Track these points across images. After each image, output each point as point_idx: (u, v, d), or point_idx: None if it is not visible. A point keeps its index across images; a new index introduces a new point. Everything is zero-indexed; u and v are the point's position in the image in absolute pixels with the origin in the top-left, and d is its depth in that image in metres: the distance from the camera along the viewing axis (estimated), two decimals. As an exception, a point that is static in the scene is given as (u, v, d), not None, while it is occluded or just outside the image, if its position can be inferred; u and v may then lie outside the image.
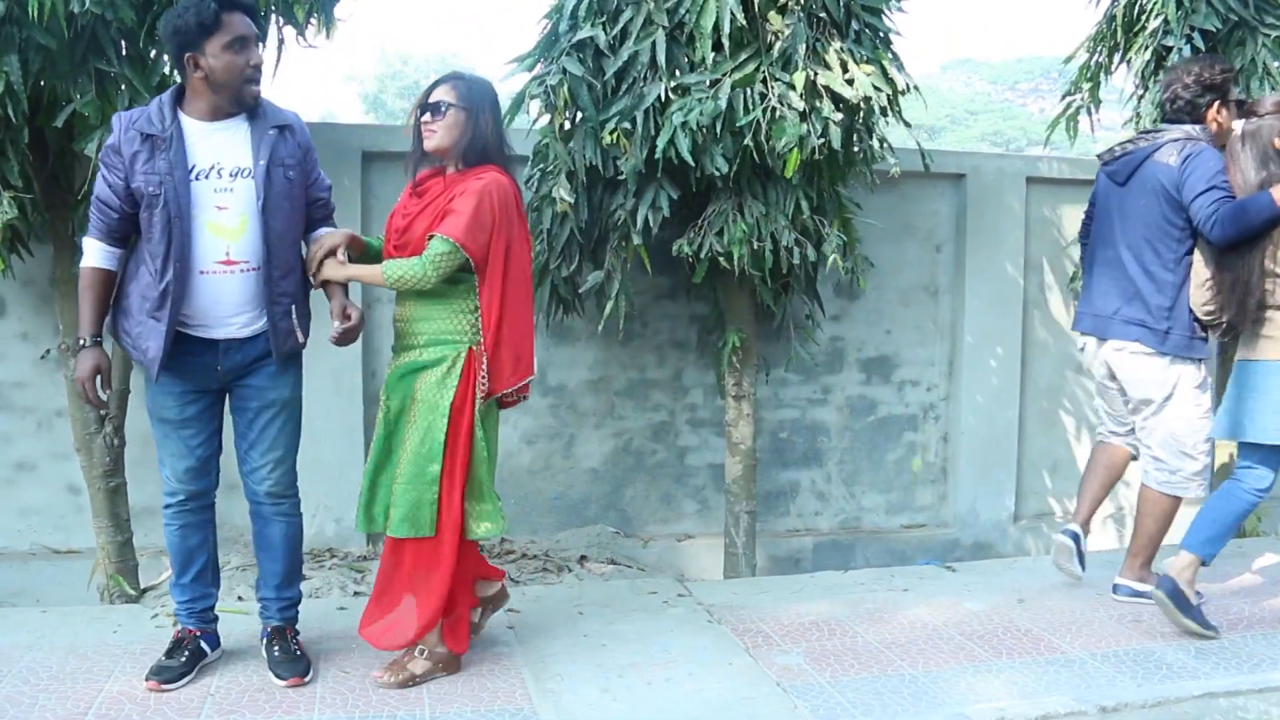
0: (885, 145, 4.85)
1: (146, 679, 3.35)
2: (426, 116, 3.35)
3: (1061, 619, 4.16)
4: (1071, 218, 6.41)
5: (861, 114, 4.53)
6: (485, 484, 3.43)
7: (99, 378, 3.26)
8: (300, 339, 3.45)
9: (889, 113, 4.62)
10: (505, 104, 4.73)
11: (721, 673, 3.61)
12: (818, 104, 4.36)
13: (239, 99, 3.21)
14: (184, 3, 3.13)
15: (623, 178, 4.62)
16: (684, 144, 4.32)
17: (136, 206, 3.15)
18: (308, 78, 58.01)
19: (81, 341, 3.25)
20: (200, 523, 3.50)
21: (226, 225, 3.21)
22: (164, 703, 3.25)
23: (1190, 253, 3.99)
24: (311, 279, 3.44)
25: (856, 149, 4.70)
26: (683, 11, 4.43)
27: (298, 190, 3.35)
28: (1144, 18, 5.71)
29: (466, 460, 3.38)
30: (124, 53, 3.99)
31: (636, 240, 4.72)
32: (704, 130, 4.34)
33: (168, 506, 3.47)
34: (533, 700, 3.36)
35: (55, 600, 4.89)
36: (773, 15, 4.44)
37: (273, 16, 4.42)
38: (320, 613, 4.12)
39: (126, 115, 3.18)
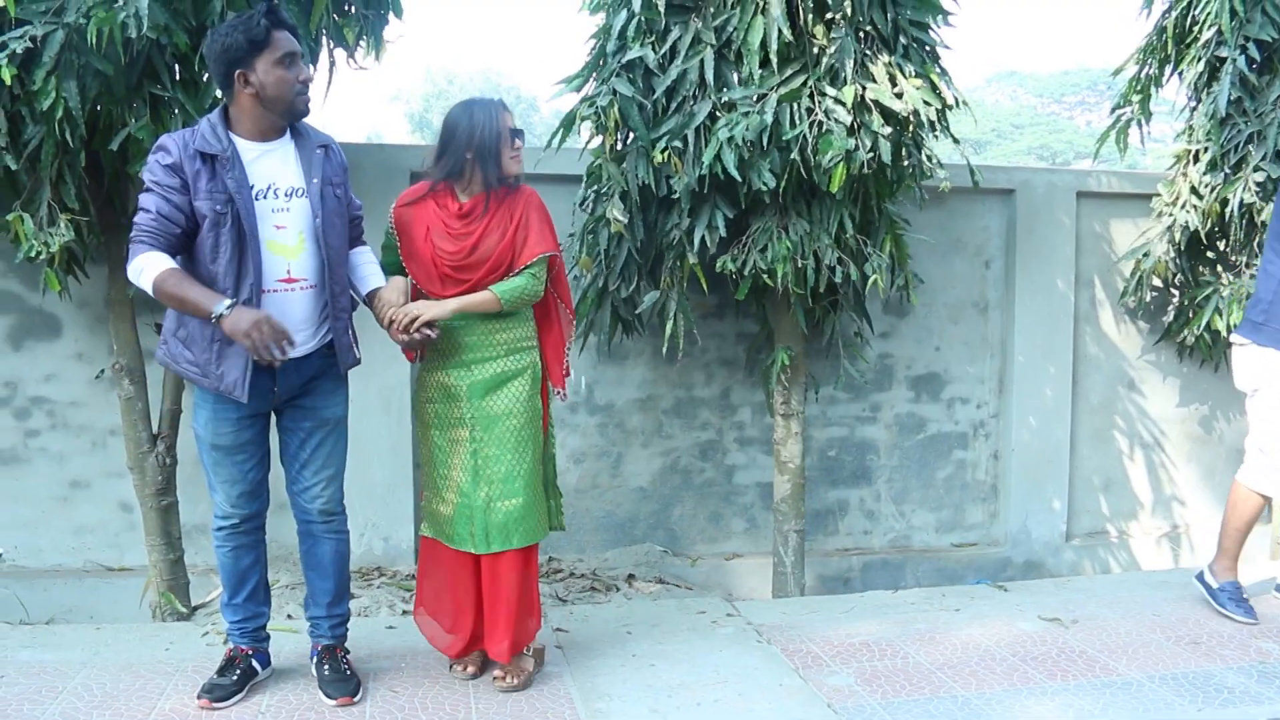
0: (934, 160, 4.82)
1: (198, 697, 3.38)
2: (517, 142, 3.47)
3: (1117, 640, 4.09)
4: (1122, 232, 6.33)
5: (911, 128, 4.51)
6: (554, 481, 3.75)
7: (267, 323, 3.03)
8: (359, 355, 3.54)
9: (937, 127, 4.59)
10: (554, 124, 4.77)
11: (772, 694, 3.58)
12: (866, 118, 4.35)
13: (291, 112, 3.24)
14: (231, 21, 3.17)
15: (676, 197, 4.62)
16: (730, 159, 4.31)
17: (196, 227, 3.15)
18: (354, 98, 58.62)
19: (226, 309, 3.02)
20: (252, 544, 3.52)
21: (286, 244, 3.25)
22: (216, 721, 3.28)
23: None
24: (396, 327, 3.41)
25: (905, 163, 4.67)
26: (730, 29, 4.44)
27: (344, 208, 3.41)
28: (1196, 29, 5.65)
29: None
30: (178, 77, 4.05)
31: (692, 259, 4.73)
32: (750, 145, 4.34)
33: (219, 530, 3.46)
34: (582, 720, 3.35)
35: (108, 617, 4.95)
36: (819, 30, 4.43)
37: (323, 39, 4.46)
38: (369, 632, 4.14)
39: (180, 136, 3.17)
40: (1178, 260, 6.01)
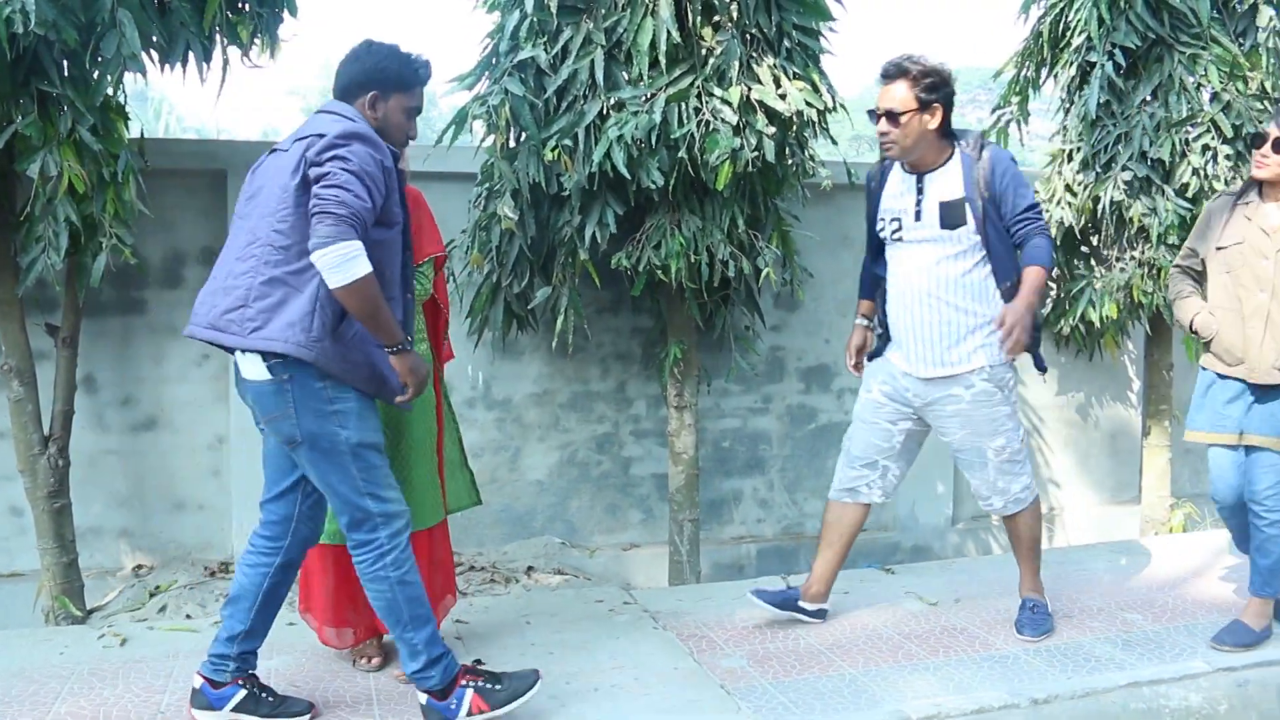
0: (815, 159, 4.99)
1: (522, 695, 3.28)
2: None
3: (996, 617, 4.29)
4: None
5: (794, 128, 4.66)
6: (463, 461, 3.88)
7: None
8: None
9: (818, 128, 4.76)
10: (446, 120, 4.82)
11: (667, 677, 3.69)
12: (751, 118, 4.48)
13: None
14: (395, 48, 3.21)
15: (567, 194, 4.71)
16: (619, 157, 4.41)
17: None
18: (250, 93, 57.41)
19: (403, 345, 3.05)
20: None
21: None
22: None
23: None
24: None
25: (789, 162, 4.83)
26: (621, 30, 4.53)
27: None
28: (1069, 34, 5.90)
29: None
30: (66, 74, 4.00)
31: (583, 256, 4.81)
32: (639, 144, 4.44)
33: (399, 533, 3.17)
34: (481, 708, 3.41)
35: (-1, 623, 4.88)
36: (707, 32, 4.55)
37: (217, 37, 4.44)
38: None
39: (376, 139, 3.09)
40: (1054, 254, 6.26)
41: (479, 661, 3.47)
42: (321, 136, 2.96)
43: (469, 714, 3.17)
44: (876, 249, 4.08)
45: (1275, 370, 3.82)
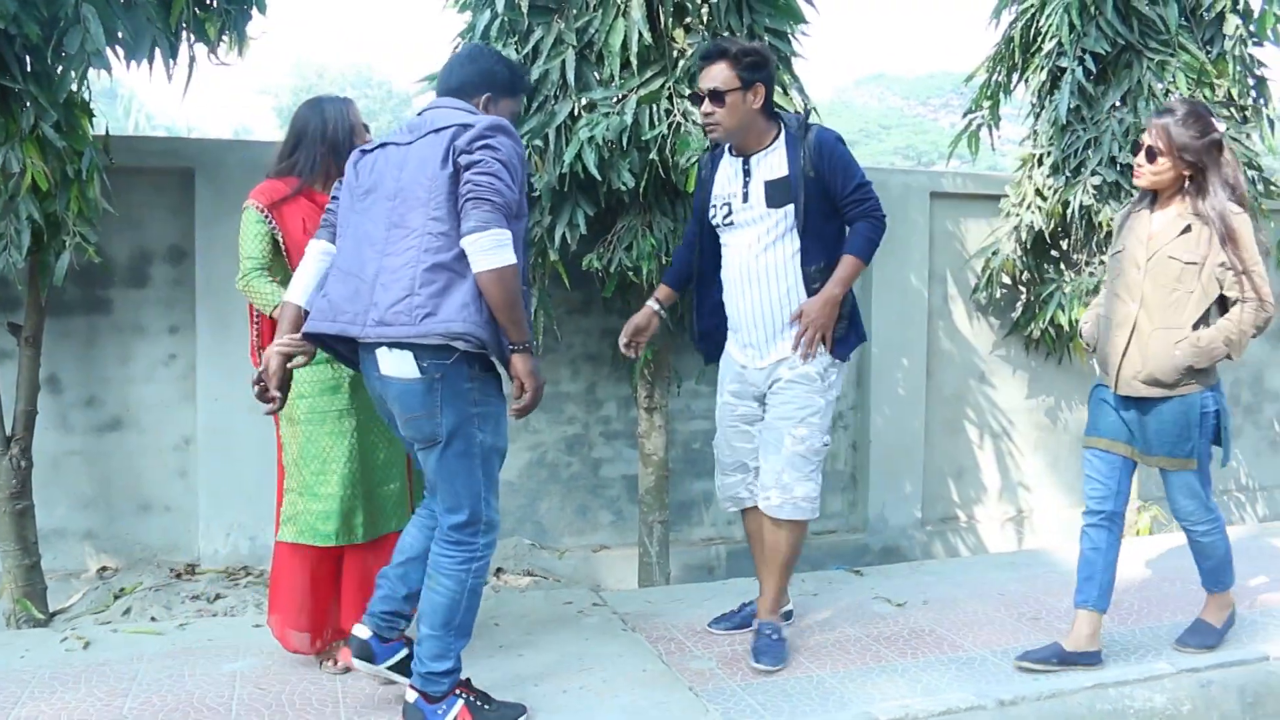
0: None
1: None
2: (368, 137, 3.54)
3: (964, 619, 4.31)
4: (973, 231, 6.62)
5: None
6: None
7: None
8: None
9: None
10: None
11: (636, 679, 3.68)
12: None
13: None
14: (505, 56, 3.42)
15: (537, 195, 4.69)
16: (590, 158, 4.41)
17: None
18: (221, 91, 57.04)
19: (529, 344, 3.10)
20: None
21: None
22: (75, 723, 3.24)
23: None
24: None
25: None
26: (592, 31, 4.53)
27: None
28: (1040, 39, 5.94)
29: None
30: (29, 69, 3.95)
31: (553, 257, 4.80)
32: (610, 145, 4.44)
33: (491, 545, 3.21)
34: (448, 711, 3.39)
35: (-40, 625, 4.81)
36: (678, 33, 4.55)
37: (184, 34, 4.41)
38: (236, 631, 4.10)
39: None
40: (1024, 258, 6.31)
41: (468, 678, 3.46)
42: (468, 127, 3.00)
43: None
44: (693, 238, 4.04)
45: (1135, 382, 3.70)
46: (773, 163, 3.75)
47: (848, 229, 3.79)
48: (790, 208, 3.71)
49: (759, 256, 3.77)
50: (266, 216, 3.49)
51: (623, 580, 5.68)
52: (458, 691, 3.22)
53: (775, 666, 3.75)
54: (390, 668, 3.31)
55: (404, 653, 3.31)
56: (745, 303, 3.83)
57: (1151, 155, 3.64)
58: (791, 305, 3.77)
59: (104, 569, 5.10)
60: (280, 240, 3.51)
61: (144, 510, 5.17)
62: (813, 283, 3.73)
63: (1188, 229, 3.62)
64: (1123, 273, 3.76)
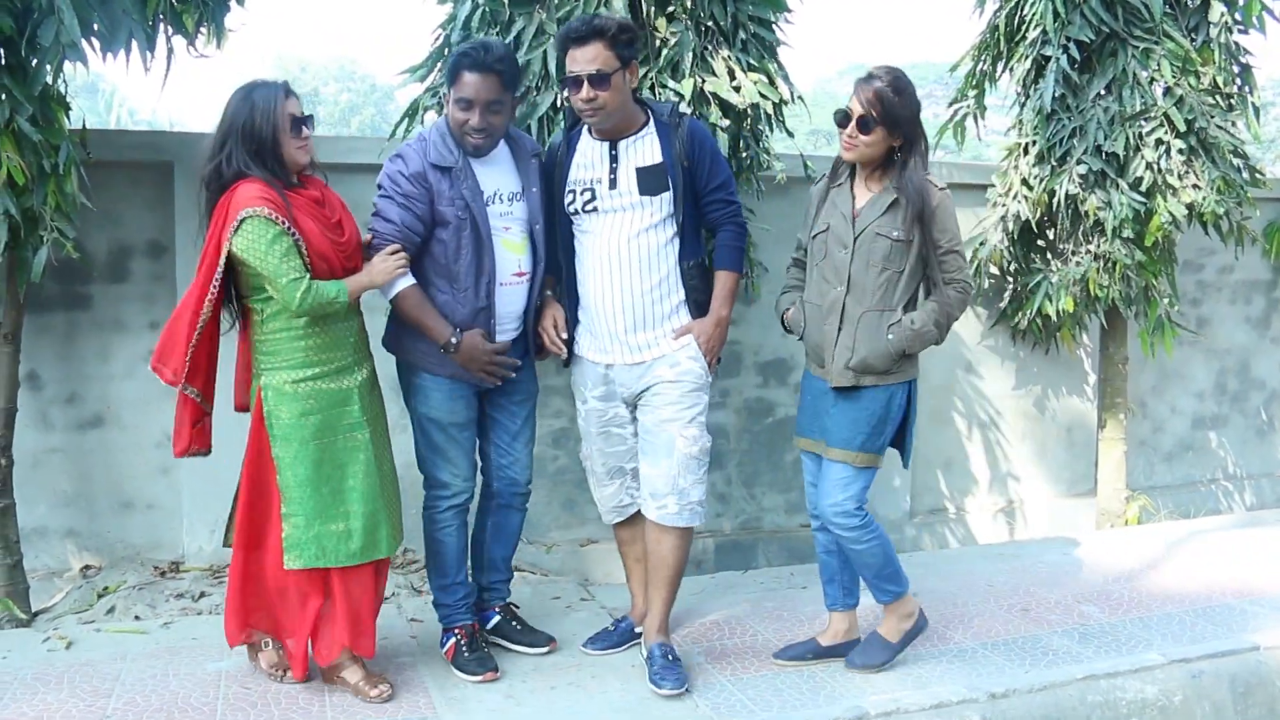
0: (770, 153, 4.95)
1: (477, 675, 3.60)
2: (305, 130, 3.39)
3: (954, 611, 4.30)
4: (960, 221, 6.57)
5: (749, 121, 4.63)
6: None
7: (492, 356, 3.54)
8: None
9: (773, 121, 4.72)
10: (400, 112, 4.76)
11: (624, 674, 3.67)
12: (704, 110, 4.44)
13: (461, 145, 3.49)
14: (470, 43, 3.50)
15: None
16: (572, 150, 4.36)
17: (430, 233, 3.47)
18: (203, 85, 56.70)
19: (454, 340, 3.47)
20: (466, 520, 3.78)
21: (515, 242, 3.61)
22: (56, 725, 3.21)
23: None
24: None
25: (744, 155, 4.79)
26: (574, 21, 4.48)
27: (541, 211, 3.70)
28: (1024, 28, 5.92)
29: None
30: (4, 62, 3.89)
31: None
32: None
33: (447, 509, 3.70)
34: (437, 708, 3.38)
35: (-59, 626, 4.76)
36: (660, 23, 4.51)
37: (161, 26, 4.35)
38: (219, 633, 4.07)
39: (418, 147, 3.48)
40: (1011, 248, 6.29)
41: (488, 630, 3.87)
42: None
43: (444, 653, 3.72)
44: (551, 226, 3.77)
45: (848, 371, 3.48)
46: (643, 149, 3.58)
47: (715, 234, 3.73)
48: (667, 195, 3.57)
49: (630, 242, 3.58)
50: (281, 219, 3.20)
51: (611, 574, 5.64)
52: (456, 632, 3.72)
53: (679, 689, 3.51)
54: (491, 630, 3.88)
55: (496, 619, 3.90)
56: (611, 293, 3.61)
57: (865, 125, 3.39)
58: (666, 297, 3.62)
59: (87, 568, 5.04)
60: (303, 248, 3.25)
61: (126, 508, 5.11)
62: (689, 279, 3.65)
63: (895, 203, 3.46)
64: (828, 254, 3.55)
